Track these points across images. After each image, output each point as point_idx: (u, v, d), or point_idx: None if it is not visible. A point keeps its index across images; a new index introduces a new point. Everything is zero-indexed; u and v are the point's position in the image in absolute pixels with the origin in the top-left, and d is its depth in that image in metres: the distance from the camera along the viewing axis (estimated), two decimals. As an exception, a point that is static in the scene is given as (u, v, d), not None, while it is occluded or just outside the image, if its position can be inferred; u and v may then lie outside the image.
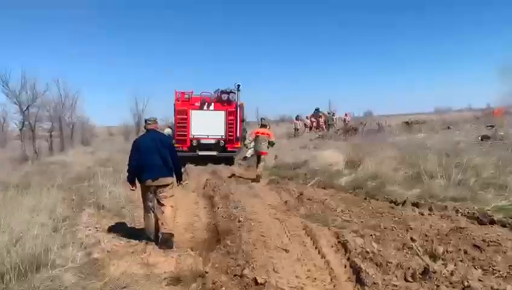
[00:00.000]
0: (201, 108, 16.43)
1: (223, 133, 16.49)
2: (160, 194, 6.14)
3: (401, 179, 9.73)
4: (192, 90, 16.63)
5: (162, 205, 6.14)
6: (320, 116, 31.60)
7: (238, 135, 16.51)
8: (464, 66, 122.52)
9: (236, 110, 16.39)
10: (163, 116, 27.65)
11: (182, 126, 16.22)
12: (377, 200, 8.49)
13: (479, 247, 4.88)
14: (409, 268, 4.44)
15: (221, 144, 16.44)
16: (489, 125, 21.69)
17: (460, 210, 6.95)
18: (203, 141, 16.39)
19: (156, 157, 6.09)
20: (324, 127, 30.47)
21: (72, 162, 18.20)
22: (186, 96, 16.48)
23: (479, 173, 8.90)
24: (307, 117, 31.95)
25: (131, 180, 6.27)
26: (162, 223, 6.05)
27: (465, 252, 4.85)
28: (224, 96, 16.32)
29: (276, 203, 8.65)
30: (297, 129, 29.61)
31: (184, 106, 16.28)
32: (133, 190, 6.44)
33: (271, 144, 12.49)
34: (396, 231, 6.00)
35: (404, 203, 7.95)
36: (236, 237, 6.29)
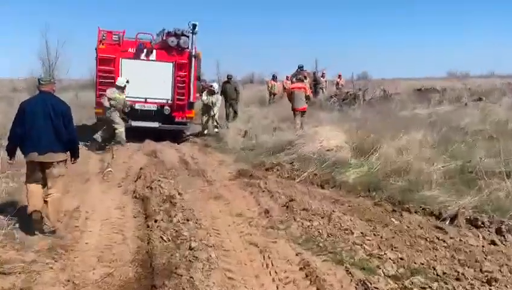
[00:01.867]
0: (137, 57, 14.55)
1: (169, 96, 14.87)
2: (48, 172, 6.23)
3: (441, 178, 8.34)
4: (124, 30, 14.60)
5: (49, 188, 6.26)
6: (304, 77, 29.93)
7: (191, 98, 14.72)
8: (485, 26, 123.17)
9: (190, 62, 14.67)
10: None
11: (106, 82, 14.25)
12: (411, 212, 7.02)
13: None
14: None
15: (167, 112, 14.79)
16: (537, 100, 20.78)
17: (554, 239, 5.54)
18: (138, 107, 14.65)
19: (47, 126, 6.14)
20: (310, 92, 28.91)
21: None
22: (114, 37, 14.47)
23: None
24: (287, 78, 30.27)
25: (10, 151, 6.32)
26: (46, 216, 6.25)
27: None
28: (173, 41, 14.46)
29: (251, 214, 7.04)
30: (274, 94, 27.92)
31: (111, 51, 14.34)
32: (11, 163, 6.61)
33: (307, 98, 14.93)
34: (468, 281, 4.47)
35: (454, 219, 6.53)
36: (183, 284, 4.62)
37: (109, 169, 10.22)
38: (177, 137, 15.51)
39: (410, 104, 20.86)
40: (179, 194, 7.75)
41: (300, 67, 33.43)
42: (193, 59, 14.66)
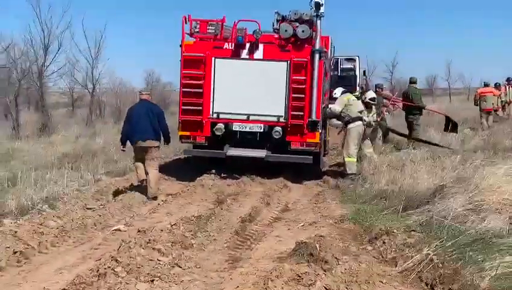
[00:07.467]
0: (235, 55, 12.97)
1: (281, 112, 13.07)
2: (148, 155, 11.14)
3: None
4: (224, 16, 13.01)
5: (149, 166, 11.14)
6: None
7: (314, 116, 12.60)
8: None
9: (313, 61, 12.52)
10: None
11: (192, 93, 13.04)
12: None
13: None
14: None
15: (277, 135, 12.91)
16: None
17: None
18: (237, 127, 13.16)
19: (146, 122, 11.07)
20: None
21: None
22: (210, 29, 12.88)
23: None
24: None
25: (123, 142, 11.58)
26: (149, 186, 11.10)
27: None
28: (287, 30, 12.53)
29: None
30: (496, 110, 23.54)
31: (200, 49, 12.94)
32: (124, 150, 12.07)
33: None
34: None
35: None
36: None
37: (117, 227, 8.67)
38: (299, 173, 13.54)
39: None
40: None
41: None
42: (317, 56, 12.41)
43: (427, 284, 6.15)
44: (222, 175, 13.25)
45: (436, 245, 6.79)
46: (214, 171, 13.43)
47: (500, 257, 6.24)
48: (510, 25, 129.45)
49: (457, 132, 17.29)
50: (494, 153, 13.29)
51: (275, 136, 12.90)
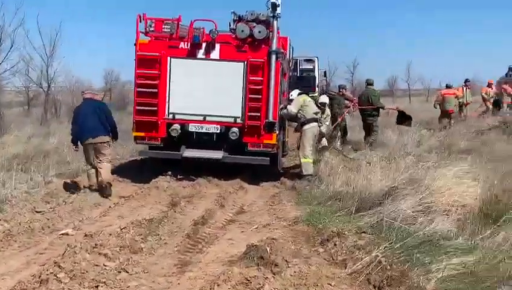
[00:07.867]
0: (191, 54, 12.97)
1: (238, 112, 13.13)
2: (99, 151, 11.44)
3: None
4: (180, 15, 12.92)
5: (100, 160, 11.43)
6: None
7: (271, 116, 12.69)
8: None
9: (270, 61, 12.63)
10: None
11: (146, 93, 12.99)
12: None
13: None
14: None
15: (234, 136, 12.96)
16: None
17: None
18: (194, 128, 13.14)
19: (95, 120, 11.38)
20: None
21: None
22: (165, 28, 12.82)
23: None
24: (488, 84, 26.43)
25: (74, 143, 11.70)
26: (101, 174, 11.26)
27: None
28: (243, 30, 12.63)
29: None
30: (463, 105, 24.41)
31: (155, 48, 12.90)
32: (77, 150, 12.01)
33: None
34: None
35: None
36: None
37: (65, 231, 8.64)
38: (257, 174, 13.65)
39: None
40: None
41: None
42: (273, 57, 12.54)
43: (375, 287, 6.26)
44: (178, 177, 13.18)
45: (385, 247, 6.92)
46: (169, 172, 13.35)
47: (447, 259, 6.40)
48: (471, 27, 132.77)
49: (411, 125, 17.71)
50: (449, 154, 13.60)
51: (232, 137, 12.92)
